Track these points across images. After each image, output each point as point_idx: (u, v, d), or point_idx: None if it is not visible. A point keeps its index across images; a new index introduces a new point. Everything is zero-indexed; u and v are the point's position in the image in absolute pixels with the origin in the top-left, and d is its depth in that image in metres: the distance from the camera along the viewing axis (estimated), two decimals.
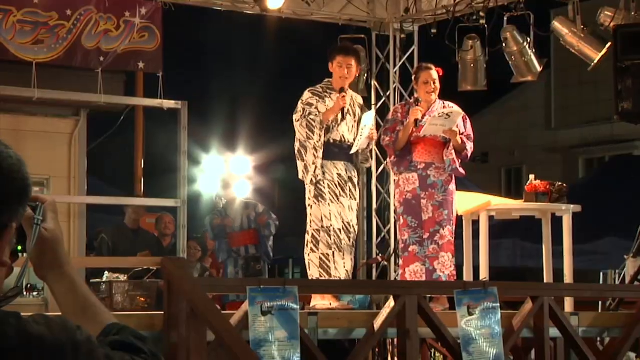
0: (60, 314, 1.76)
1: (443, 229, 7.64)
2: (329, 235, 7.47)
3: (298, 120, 7.59)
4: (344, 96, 7.55)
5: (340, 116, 7.66)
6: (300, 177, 7.67)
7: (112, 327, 1.78)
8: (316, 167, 7.52)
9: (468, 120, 7.92)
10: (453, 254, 7.66)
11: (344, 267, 7.51)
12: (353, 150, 7.62)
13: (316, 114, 7.52)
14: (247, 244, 10.73)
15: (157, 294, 7.74)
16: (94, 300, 1.82)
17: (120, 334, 1.76)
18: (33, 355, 1.57)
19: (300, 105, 7.64)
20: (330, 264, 7.45)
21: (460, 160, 7.76)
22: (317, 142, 7.50)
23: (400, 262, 7.91)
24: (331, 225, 7.48)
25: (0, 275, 1.68)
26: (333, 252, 7.47)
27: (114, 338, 1.74)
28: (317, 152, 7.51)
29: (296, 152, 7.67)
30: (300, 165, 7.66)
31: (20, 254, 1.76)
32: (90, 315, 1.79)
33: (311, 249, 7.54)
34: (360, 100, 7.99)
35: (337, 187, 7.56)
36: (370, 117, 7.80)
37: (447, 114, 7.62)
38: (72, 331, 1.62)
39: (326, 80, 7.77)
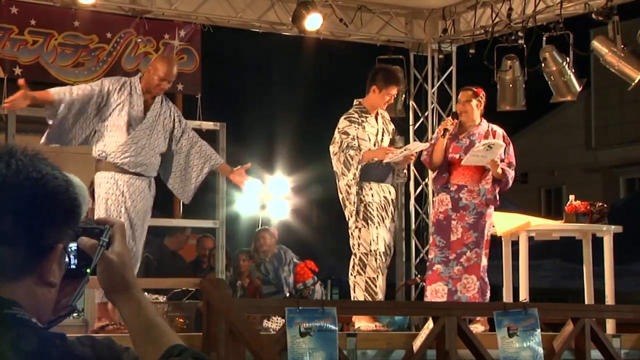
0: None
1: (470, 252, 7.58)
2: (375, 259, 7.40)
3: (336, 154, 7.48)
4: (389, 150, 7.47)
5: (380, 137, 7.61)
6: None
7: (175, 348, 1.79)
8: (350, 204, 7.45)
9: (511, 146, 7.87)
10: (478, 277, 7.55)
11: (383, 289, 7.48)
12: (386, 161, 7.50)
13: (355, 148, 7.42)
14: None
15: (196, 315, 7.76)
16: (158, 322, 1.83)
17: (181, 355, 1.77)
18: None
19: (337, 135, 7.51)
20: (376, 289, 7.38)
21: (499, 188, 7.70)
22: (351, 179, 7.41)
23: (426, 280, 7.87)
24: (378, 249, 7.42)
25: (49, 296, 1.68)
26: (377, 276, 7.40)
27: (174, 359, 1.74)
28: (350, 189, 7.43)
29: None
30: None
31: (88, 277, 1.78)
32: (153, 336, 1.80)
33: (358, 272, 7.45)
34: (387, 115, 7.89)
35: (383, 209, 7.49)
36: (419, 146, 7.79)
37: (489, 145, 7.55)
38: (118, 352, 1.63)
39: (356, 102, 7.65)
